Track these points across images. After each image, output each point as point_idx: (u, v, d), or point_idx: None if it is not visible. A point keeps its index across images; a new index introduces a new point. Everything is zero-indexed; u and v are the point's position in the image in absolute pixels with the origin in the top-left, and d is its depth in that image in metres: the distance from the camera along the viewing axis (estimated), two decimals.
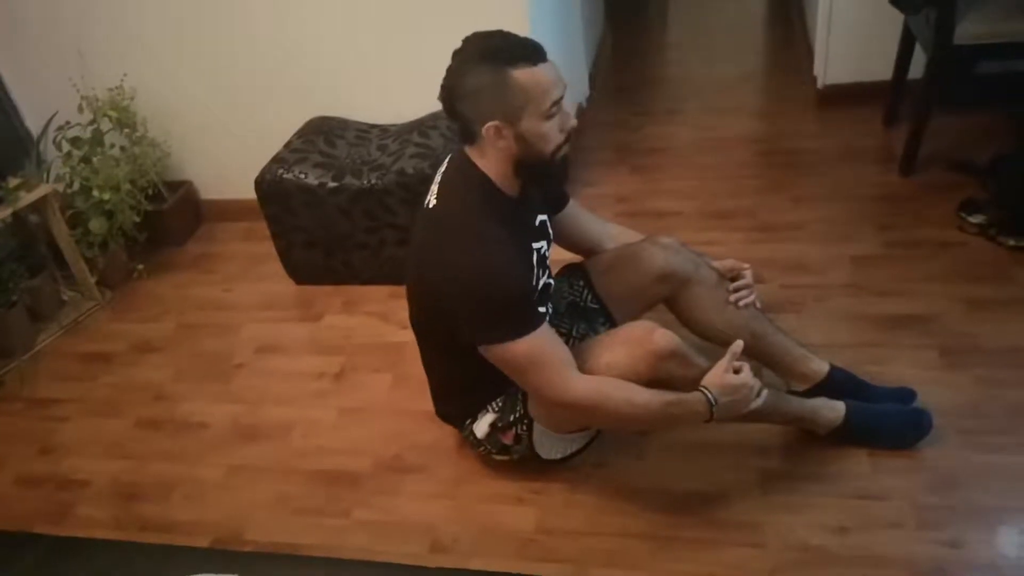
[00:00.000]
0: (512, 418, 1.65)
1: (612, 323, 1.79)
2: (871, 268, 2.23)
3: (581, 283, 1.83)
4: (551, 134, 1.42)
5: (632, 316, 1.79)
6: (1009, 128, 2.46)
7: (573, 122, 1.47)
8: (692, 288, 1.75)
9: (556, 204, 1.79)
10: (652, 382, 1.51)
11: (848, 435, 1.68)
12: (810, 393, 1.74)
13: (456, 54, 1.42)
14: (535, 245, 1.58)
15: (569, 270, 1.87)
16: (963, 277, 2.14)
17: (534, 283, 1.56)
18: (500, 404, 1.67)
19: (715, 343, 1.75)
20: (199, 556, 1.59)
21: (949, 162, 2.60)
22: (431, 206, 1.52)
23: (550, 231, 1.70)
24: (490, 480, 1.79)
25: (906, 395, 1.75)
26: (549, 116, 1.40)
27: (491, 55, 1.37)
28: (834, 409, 1.67)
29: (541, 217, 1.65)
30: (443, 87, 1.43)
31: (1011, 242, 2.21)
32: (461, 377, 1.69)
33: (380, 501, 1.79)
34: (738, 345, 1.48)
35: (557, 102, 1.40)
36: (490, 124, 1.39)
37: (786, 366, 1.78)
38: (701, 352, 1.57)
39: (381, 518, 1.76)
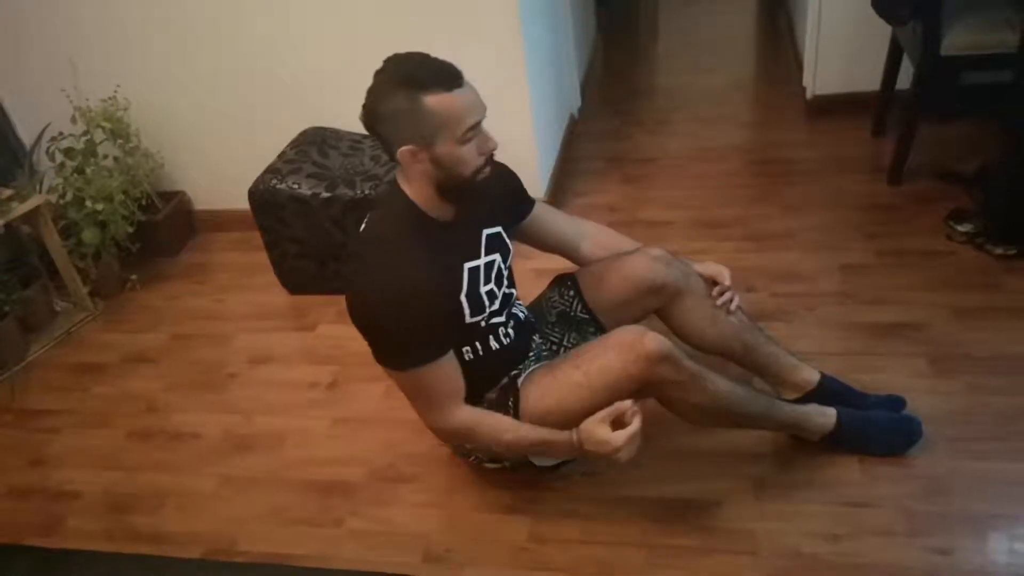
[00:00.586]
0: None
1: (602, 333, 1.79)
2: (861, 277, 2.25)
3: (572, 293, 1.83)
4: (468, 157, 1.44)
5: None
6: (994, 138, 2.49)
7: (493, 144, 1.48)
8: (683, 300, 1.75)
9: (518, 213, 1.79)
10: (644, 386, 1.52)
11: (839, 442, 1.69)
12: (801, 402, 1.75)
13: (376, 75, 1.44)
14: (474, 264, 1.57)
15: (560, 280, 1.88)
16: (952, 285, 2.16)
17: (458, 302, 1.54)
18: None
19: (707, 353, 1.78)
20: (192, 567, 1.59)
21: (937, 172, 2.63)
22: (360, 232, 1.57)
23: (507, 242, 1.70)
24: (483, 489, 1.79)
25: (896, 403, 1.77)
26: (465, 140, 1.42)
27: (406, 80, 1.39)
28: (825, 415, 1.69)
29: (491, 231, 1.64)
30: (363, 107, 1.45)
31: (998, 251, 2.23)
32: None
33: (373, 511, 1.79)
34: (625, 404, 1.48)
35: (473, 127, 1.42)
36: (405, 148, 1.41)
37: (777, 375, 1.80)
38: (691, 357, 1.57)
39: (374, 528, 1.76)
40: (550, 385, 1.59)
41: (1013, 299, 2.08)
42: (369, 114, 1.44)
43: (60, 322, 2.64)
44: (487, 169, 1.49)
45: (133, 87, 2.72)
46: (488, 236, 1.63)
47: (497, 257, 1.64)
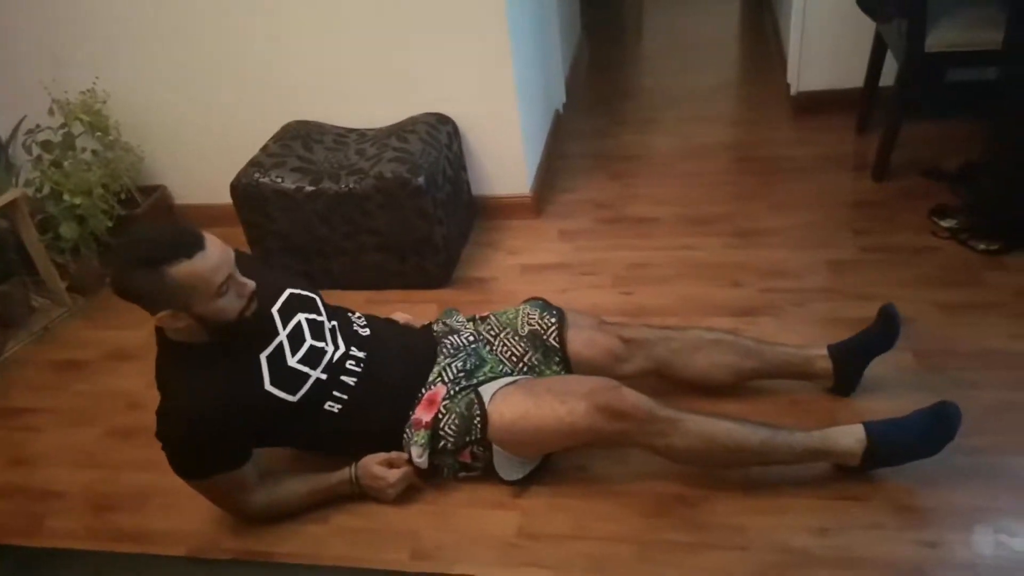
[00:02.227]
0: (468, 439, 1.67)
1: (567, 368, 1.82)
2: (847, 272, 2.26)
3: (553, 322, 1.84)
4: (229, 306, 1.50)
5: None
6: (978, 135, 2.51)
7: (250, 286, 1.53)
8: (670, 367, 1.83)
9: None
10: (607, 437, 1.59)
11: (878, 457, 1.59)
12: (838, 385, 1.81)
13: (112, 255, 1.51)
14: (271, 349, 1.60)
15: (546, 306, 1.90)
16: (937, 281, 2.17)
17: (266, 394, 1.58)
18: (429, 433, 1.68)
19: (728, 387, 1.85)
20: (176, 565, 1.56)
21: (921, 168, 2.64)
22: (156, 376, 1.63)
23: (305, 292, 1.76)
24: (472, 486, 1.77)
25: (887, 315, 1.79)
26: (220, 294, 1.47)
27: (144, 260, 1.42)
28: (851, 433, 1.59)
29: (280, 302, 1.68)
30: (111, 283, 1.50)
31: (982, 246, 2.25)
32: (332, 441, 1.76)
33: (361, 507, 1.77)
34: (400, 456, 1.72)
35: (225, 281, 1.46)
36: (162, 314, 1.46)
37: (799, 373, 1.83)
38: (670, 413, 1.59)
39: (362, 524, 1.74)
40: (524, 403, 1.63)
41: (996, 294, 2.10)
42: (117, 291, 1.47)
43: (38, 318, 2.60)
44: (253, 305, 1.55)
45: (113, 79, 2.68)
46: (279, 310, 1.66)
47: (301, 317, 1.69)
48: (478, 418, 1.65)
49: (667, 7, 4.91)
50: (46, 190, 2.58)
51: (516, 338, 1.84)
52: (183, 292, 1.43)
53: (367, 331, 1.82)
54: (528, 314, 1.87)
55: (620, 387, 1.60)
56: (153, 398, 1.73)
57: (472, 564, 1.62)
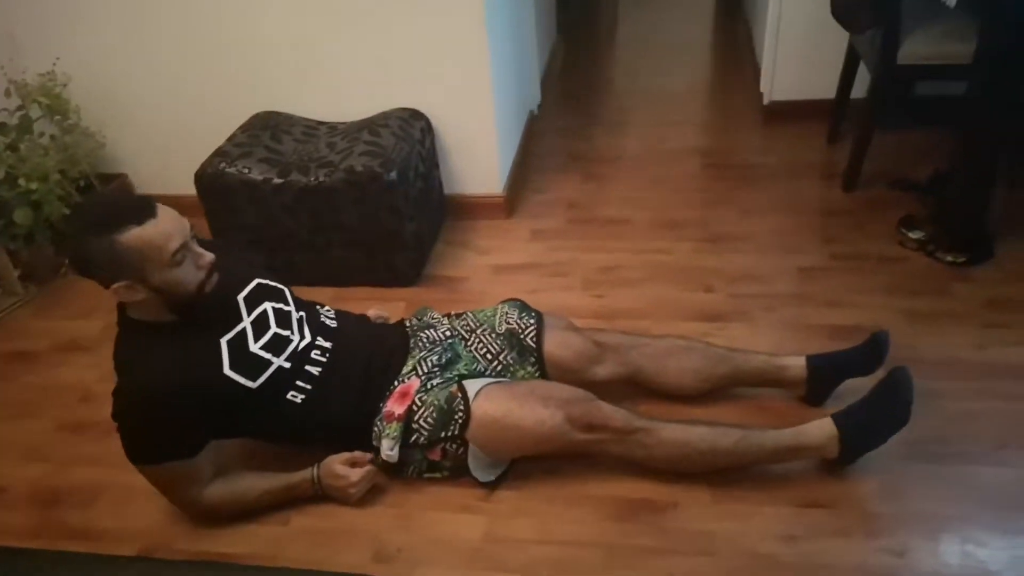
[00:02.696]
0: (443, 435, 1.64)
1: (541, 369, 1.80)
2: (817, 279, 2.27)
3: (532, 323, 1.83)
4: (186, 277, 1.47)
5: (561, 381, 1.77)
6: (946, 147, 2.54)
7: (208, 257, 1.50)
8: (641, 372, 1.82)
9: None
10: (583, 447, 1.60)
11: (855, 441, 1.60)
12: (810, 393, 1.80)
13: (66, 225, 1.50)
14: (233, 333, 1.59)
15: (524, 307, 1.88)
16: (904, 290, 2.19)
17: (224, 378, 1.55)
18: (401, 426, 1.64)
19: (700, 396, 1.84)
20: (126, 565, 1.49)
21: (890, 179, 2.67)
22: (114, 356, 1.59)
23: (274, 284, 1.74)
24: (437, 488, 1.73)
25: (878, 341, 1.78)
26: (175, 264, 1.44)
27: (95, 226, 1.41)
28: (819, 426, 1.61)
29: (248, 290, 1.67)
30: (68, 258, 1.46)
31: (948, 258, 2.27)
32: (294, 433, 1.72)
33: (322, 508, 1.72)
34: (363, 455, 1.67)
35: (179, 250, 1.44)
36: (118, 285, 1.43)
37: (776, 381, 1.82)
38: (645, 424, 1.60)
39: (322, 526, 1.69)
40: (507, 402, 1.62)
41: (963, 305, 2.11)
42: (74, 263, 1.46)
43: None
44: (214, 278, 1.52)
45: (74, 61, 2.59)
46: (244, 297, 1.65)
47: (267, 305, 1.68)
48: (460, 413, 1.61)
49: (640, 12, 4.92)
50: (0, 174, 2.48)
51: (493, 335, 1.82)
52: (136, 260, 1.41)
53: (334, 323, 1.79)
54: (507, 313, 1.85)
55: (595, 400, 1.61)
56: (105, 392, 1.67)
57: (436, 567, 1.58)
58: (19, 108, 2.51)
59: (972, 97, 2.31)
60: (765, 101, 3.20)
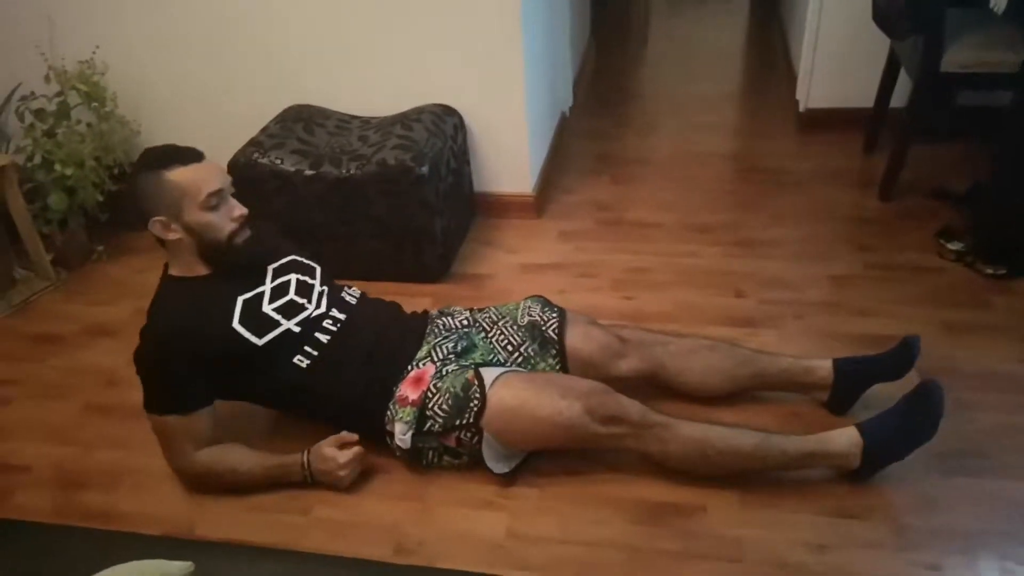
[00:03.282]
0: (458, 422, 1.61)
1: (563, 362, 1.77)
2: (849, 288, 2.22)
3: (554, 316, 1.82)
4: (218, 223, 1.61)
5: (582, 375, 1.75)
6: (986, 159, 2.49)
7: (241, 210, 1.65)
8: (665, 370, 1.79)
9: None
10: (600, 440, 1.57)
11: (879, 454, 1.57)
12: (834, 398, 1.76)
13: (132, 169, 1.68)
14: (251, 294, 1.67)
15: (547, 302, 1.87)
16: (941, 302, 2.14)
17: (231, 331, 1.62)
18: (416, 411, 1.63)
19: (724, 398, 1.81)
20: (146, 542, 1.48)
21: (927, 190, 2.62)
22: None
23: (307, 262, 1.84)
24: (459, 483, 1.72)
25: (908, 344, 1.73)
26: (209, 207, 1.59)
27: (149, 163, 1.59)
28: (844, 434, 1.57)
29: (288, 258, 1.80)
30: (127, 199, 1.64)
31: (988, 270, 2.22)
32: (297, 399, 1.74)
33: (343, 499, 1.71)
34: (350, 436, 1.69)
35: (215, 194, 1.59)
36: (155, 219, 1.58)
37: (800, 385, 1.79)
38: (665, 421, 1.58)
39: (343, 517, 1.67)
40: (525, 391, 1.60)
41: (1002, 318, 2.06)
42: (129, 201, 1.61)
43: (20, 289, 2.52)
44: (245, 232, 1.65)
45: (113, 50, 2.61)
46: (275, 268, 1.76)
47: (292, 276, 1.77)
48: (476, 401, 1.59)
49: (673, 16, 4.90)
50: (37, 159, 2.50)
51: (514, 327, 1.80)
52: (176, 196, 1.56)
53: (354, 300, 1.83)
54: (529, 307, 1.84)
55: (613, 392, 1.58)
56: (132, 377, 1.68)
57: (457, 562, 1.55)
58: (58, 94, 2.54)
59: (1017, 106, 2.26)
60: (801, 108, 3.15)
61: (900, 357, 1.74)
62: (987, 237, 2.27)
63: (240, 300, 1.65)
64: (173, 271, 1.68)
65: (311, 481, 1.71)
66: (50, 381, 2.16)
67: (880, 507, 1.57)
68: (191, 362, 1.60)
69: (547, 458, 1.72)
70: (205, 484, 1.72)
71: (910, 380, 1.70)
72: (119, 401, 2.04)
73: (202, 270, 1.66)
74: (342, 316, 1.75)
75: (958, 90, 2.65)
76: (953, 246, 2.32)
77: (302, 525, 1.66)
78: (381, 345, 1.75)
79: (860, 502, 1.59)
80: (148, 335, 1.63)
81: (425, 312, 1.92)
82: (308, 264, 1.83)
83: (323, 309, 1.75)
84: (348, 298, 1.83)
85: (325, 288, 1.79)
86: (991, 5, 2.22)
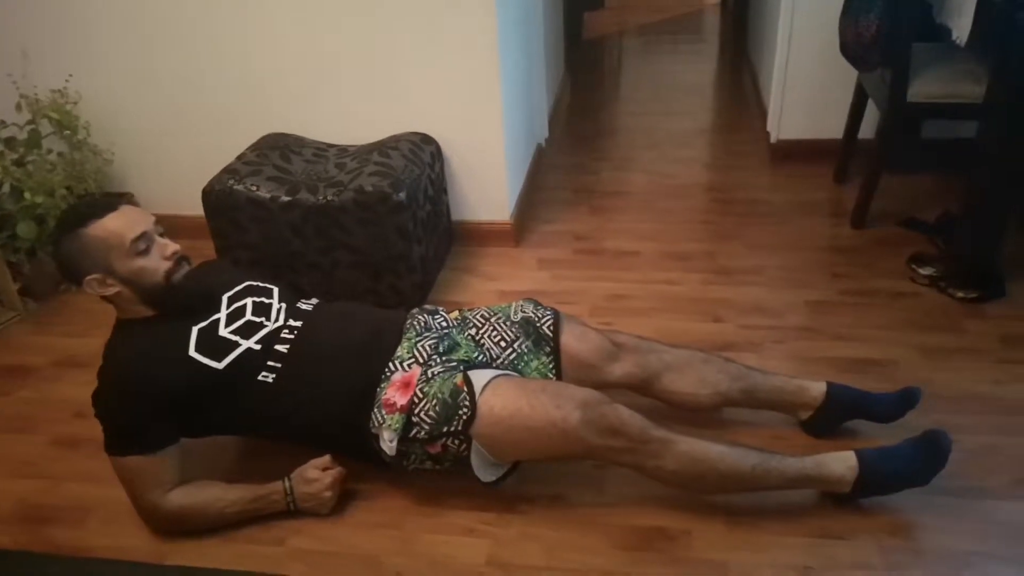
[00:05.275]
0: (446, 430, 1.55)
1: (556, 362, 1.74)
2: (827, 314, 2.24)
3: (548, 314, 1.80)
4: (151, 266, 1.57)
5: (575, 380, 1.72)
6: (954, 189, 2.54)
7: (173, 247, 1.61)
8: (659, 380, 1.77)
9: None
10: (595, 452, 1.53)
11: (868, 486, 1.56)
12: (816, 419, 1.75)
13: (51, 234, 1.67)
14: (206, 322, 1.64)
15: (539, 303, 1.85)
16: (917, 326, 2.16)
17: (189, 359, 1.59)
18: (404, 418, 1.57)
19: (711, 411, 1.81)
20: (120, 569, 1.42)
21: (898, 219, 2.66)
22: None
23: (271, 285, 1.81)
24: (439, 510, 1.68)
25: (911, 395, 1.72)
26: (138, 252, 1.55)
27: (66, 225, 1.56)
28: (843, 460, 1.55)
29: (243, 284, 1.77)
30: (55, 265, 1.62)
31: (960, 294, 2.25)
32: (271, 418, 1.68)
33: (319, 529, 1.66)
34: (326, 459, 1.69)
35: (140, 238, 1.55)
36: (88, 279, 1.55)
37: (790, 404, 1.78)
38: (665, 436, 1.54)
39: (319, 547, 1.63)
40: (517, 400, 1.54)
41: (976, 341, 2.09)
42: (59, 268, 1.60)
43: None
44: (183, 268, 1.62)
45: (86, 79, 2.60)
46: (230, 296, 1.73)
47: (248, 300, 1.74)
48: (465, 409, 1.53)
49: (646, 55, 4.99)
50: (6, 187, 2.46)
51: (507, 323, 1.77)
52: (101, 250, 1.53)
53: (310, 307, 1.80)
54: (522, 306, 1.81)
55: (612, 402, 1.53)
56: None
57: None
58: (29, 123, 2.51)
59: (982, 136, 2.32)
60: (772, 140, 3.21)
61: (897, 404, 1.74)
62: (959, 264, 2.31)
63: (195, 330, 1.62)
64: (121, 315, 1.66)
65: (294, 508, 1.67)
66: (17, 413, 2.09)
67: (865, 528, 1.57)
68: (151, 399, 1.56)
69: (530, 483, 1.69)
70: (178, 527, 1.66)
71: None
72: (89, 434, 1.94)
73: (148, 311, 1.63)
74: (298, 323, 1.72)
75: (925, 119, 2.72)
76: (925, 271, 2.36)
77: (278, 555, 1.61)
78: (349, 342, 1.69)
79: (845, 524, 1.58)
80: (104, 375, 1.59)
81: (403, 308, 1.88)
82: (264, 287, 1.80)
83: (280, 322, 1.72)
84: (304, 306, 1.79)
85: (283, 304, 1.77)
86: (954, 38, 2.29)
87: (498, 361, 1.73)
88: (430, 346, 1.69)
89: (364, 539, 1.64)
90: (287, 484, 1.67)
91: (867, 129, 2.86)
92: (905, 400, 1.73)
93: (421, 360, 1.66)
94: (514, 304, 1.83)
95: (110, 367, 1.60)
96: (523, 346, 1.75)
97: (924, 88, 2.36)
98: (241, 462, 1.86)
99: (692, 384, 1.76)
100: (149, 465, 1.59)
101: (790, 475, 1.54)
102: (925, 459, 1.55)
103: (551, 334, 1.75)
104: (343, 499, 1.71)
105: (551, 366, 1.73)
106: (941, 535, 1.55)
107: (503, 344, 1.75)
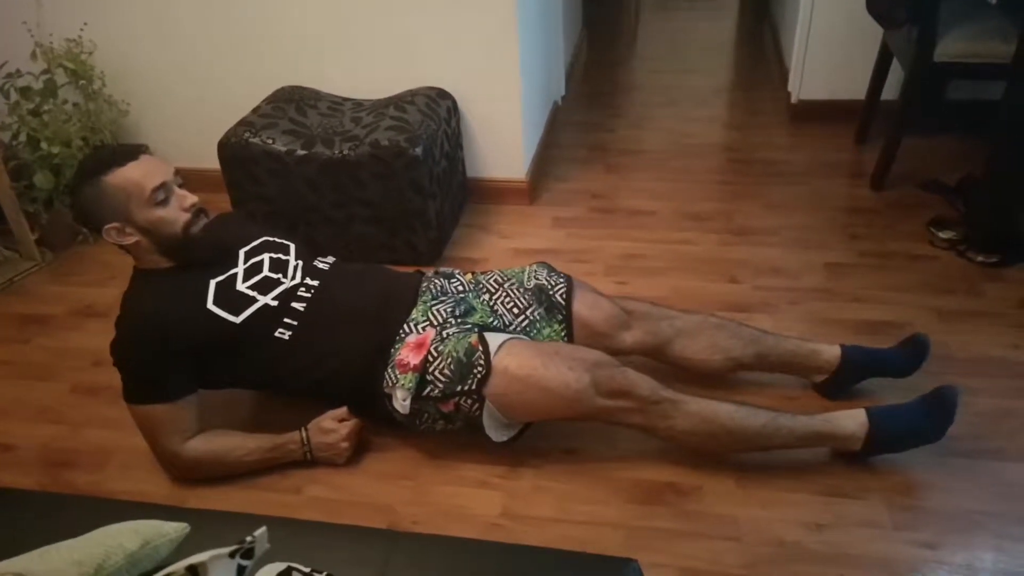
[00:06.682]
0: (459, 388, 1.56)
1: (568, 330, 1.75)
2: (844, 275, 2.23)
3: (562, 281, 1.80)
4: (170, 216, 1.57)
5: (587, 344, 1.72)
6: (976, 152, 2.50)
7: (192, 199, 1.60)
8: (672, 346, 1.78)
9: None
10: (607, 414, 1.55)
11: (879, 442, 1.57)
12: (830, 382, 1.75)
13: (71, 180, 1.63)
14: (223, 276, 1.64)
15: (553, 269, 1.85)
16: (934, 289, 2.15)
17: (207, 312, 1.60)
18: (417, 377, 1.58)
19: (718, 371, 1.80)
20: (139, 509, 1.45)
21: (919, 181, 2.63)
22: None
23: (281, 241, 1.80)
24: (454, 463, 1.70)
25: (918, 343, 1.73)
26: (157, 202, 1.55)
27: (86, 172, 1.55)
28: (853, 417, 1.57)
29: (260, 240, 1.76)
30: (71, 211, 1.64)
31: (979, 258, 2.23)
32: (286, 374, 1.68)
33: (334, 478, 1.69)
34: (343, 410, 1.70)
35: (159, 188, 1.55)
36: (107, 227, 1.55)
37: (803, 367, 1.78)
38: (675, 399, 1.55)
39: (335, 496, 1.65)
40: (532, 361, 1.55)
41: (994, 304, 2.07)
42: (75, 214, 1.61)
43: (4, 270, 2.48)
44: (201, 220, 1.62)
45: (101, 28, 2.58)
46: (247, 250, 1.73)
47: (266, 256, 1.74)
48: (480, 368, 1.55)
49: (664, 12, 4.90)
50: (22, 137, 2.46)
51: (521, 290, 1.78)
52: (121, 199, 1.53)
53: (326, 266, 1.80)
54: (535, 271, 1.82)
55: (621, 365, 1.55)
56: None
57: None
58: (44, 72, 2.50)
59: (1009, 98, 2.27)
60: (793, 100, 3.16)
61: (910, 355, 1.74)
62: (979, 227, 2.28)
63: (213, 283, 1.62)
64: (139, 265, 1.66)
65: (311, 457, 1.69)
66: (37, 361, 2.12)
67: (876, 487, 1.58)
68: (169, 349, 1.57)
69: (543, 438, 1.70)
70: (196, 474, 1.68)
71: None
72: (107, 382, 2.00)
73: (166, 262, 1.63)
74: (315, 283, 1.72)
75: (951, 80, 2.66)
76: (945, 235, 2.33)
77: (295, 503, 1.64)
78: (365, 304, 1.70)
79: (856, 482, 1.59)
80: (122, 325, 1.60)
81: (419, 271, 1.87)
82: (281, 243, 1.80)
83: (298, 280, 1.72)
84: (321, 265, 1.79)
85: (300, 262, 1.77)
86: None
87: (511, 328, 1.74)
88: (446, 310, 1.70)
89: (379, 489, 1.66)
90: (304, 434, 1.69)
91: (890, 90, 2.80)
92: (915, 349, 1.74)
93: (436, 323, 1.67)
94: (527, 269, 1.83)
95: (128, 317, 1.60)
96: (536, 313, 1.75)
97: (951, 47, 2.31)
98: (258, 415, 1.89)
99: (704, 349, 1.76)
100: (167, 413, 1.61)
101: (800, 432, 1.55)
102: (934, 415, 1.55)
103: (563, 302, 1.76)
104: (358, 450, 1.74)
105: (563, 334, 1.74)
106: (952, 495, 1.56)
107: (516, 311, 1.75)
